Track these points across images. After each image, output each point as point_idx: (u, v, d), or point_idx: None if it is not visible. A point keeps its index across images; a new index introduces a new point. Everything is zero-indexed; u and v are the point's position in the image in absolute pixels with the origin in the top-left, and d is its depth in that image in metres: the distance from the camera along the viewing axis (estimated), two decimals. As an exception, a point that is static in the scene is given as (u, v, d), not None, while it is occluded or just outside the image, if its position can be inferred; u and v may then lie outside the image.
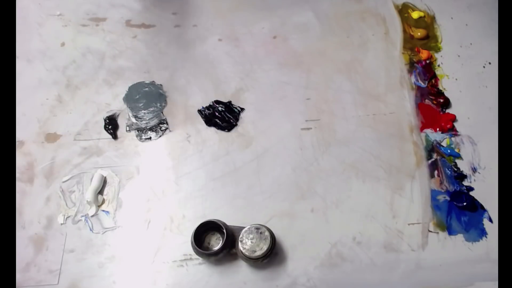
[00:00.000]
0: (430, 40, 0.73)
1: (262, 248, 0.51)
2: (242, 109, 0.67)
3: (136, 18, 0.75)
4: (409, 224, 0.58)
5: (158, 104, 0.67)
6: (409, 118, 0.66)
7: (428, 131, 0.65)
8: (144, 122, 0.66)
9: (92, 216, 0.59)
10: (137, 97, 0.68)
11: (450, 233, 0.57)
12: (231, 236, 0.53)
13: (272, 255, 0.54)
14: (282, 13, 0.76)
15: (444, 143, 0.64)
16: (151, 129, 0.65)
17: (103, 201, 0.60)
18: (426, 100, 0.67)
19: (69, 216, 0.59)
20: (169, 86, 0.69)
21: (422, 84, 0.69)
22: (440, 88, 0.68)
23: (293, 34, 0.74)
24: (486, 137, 0.64)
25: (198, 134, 0.65)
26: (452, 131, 0.65)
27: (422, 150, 0.63)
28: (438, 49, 0.72)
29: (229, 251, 0.54)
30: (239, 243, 0.52)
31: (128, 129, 0.65)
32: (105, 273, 0.56)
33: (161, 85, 0.69)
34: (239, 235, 0.52)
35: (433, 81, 0.69)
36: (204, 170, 0.62)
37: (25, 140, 0.64)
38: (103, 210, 0.60)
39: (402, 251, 0.56)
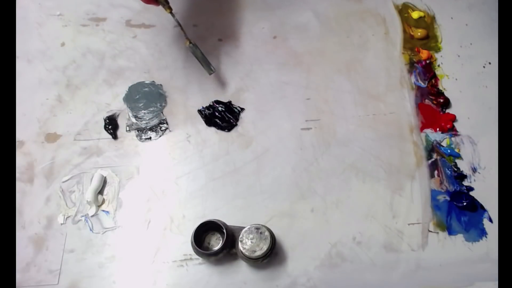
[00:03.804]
0: (430, 40, 0.73)
1: (262, 248, 0.51)
2: (242, 109, 0.67)
3: (136, 18, 0.75)
4: (409, 224, 0.58)
5: (158, 104, 0.67)
6: (409, 118, 0.66)
7: (428, 131, 0.65)
8: (144, 122, 0.66)
9: (92, 216, 0.59)
10: (137, 97, 0.68)
11: (450, 233, 0.57)
12: (231, 236, 0.53)
13: (272, 255, 0.54)
14: (282, 13, 0.76)
15: (444, 143, 0.64)
16: (151, 129, 0.65)
17: (103, 201, 0.60)
18: (426, 100, 0.67)
19: (69, 216, 0.59)
20: (169, 86, 0.69)
21: (422, 84, 0.69)
22: (440, 88, 0.68)
23: (293, 34, 0.74)
24: (486, 137, 0.64)
25: (198, 134, 0.65)
26: (452, 131, 0.65)
27: (422, 150, 0.63)
28: (438, 49, 0.72)
29: (229, 251, 0.54)
30: (239, 243, 0.52)
31: (128, 129, 0.65)
32: (105, 273, 0.56)
33: (161, 85, 0.69)
34: (239, 235, 0.52)
35: (433, 81, 0.69)
36: (204, 170, 0.62)
37: (25, 140, 0.64)
38: (103, 210, 0.60)
39: (402, 251, 0.56)
